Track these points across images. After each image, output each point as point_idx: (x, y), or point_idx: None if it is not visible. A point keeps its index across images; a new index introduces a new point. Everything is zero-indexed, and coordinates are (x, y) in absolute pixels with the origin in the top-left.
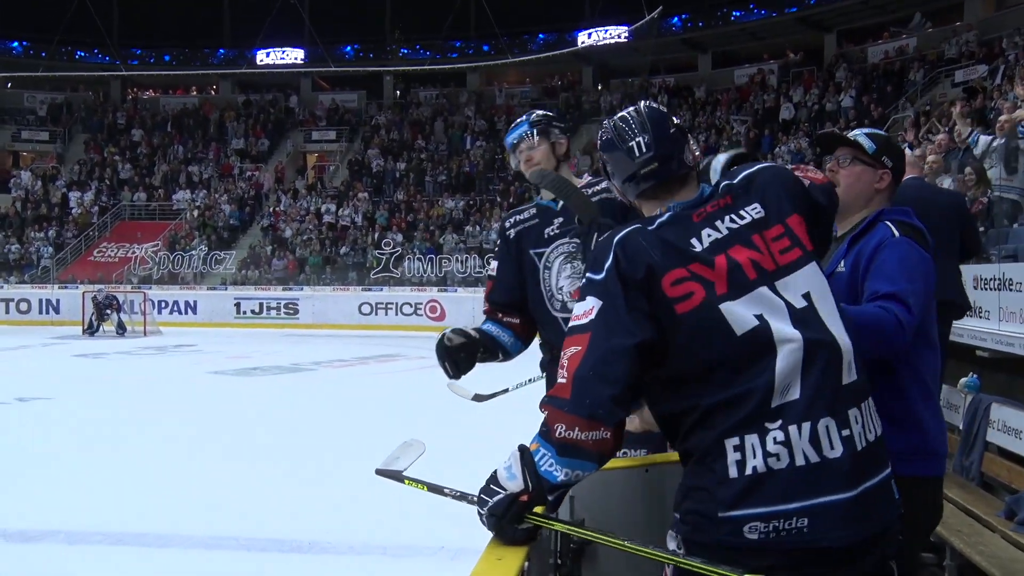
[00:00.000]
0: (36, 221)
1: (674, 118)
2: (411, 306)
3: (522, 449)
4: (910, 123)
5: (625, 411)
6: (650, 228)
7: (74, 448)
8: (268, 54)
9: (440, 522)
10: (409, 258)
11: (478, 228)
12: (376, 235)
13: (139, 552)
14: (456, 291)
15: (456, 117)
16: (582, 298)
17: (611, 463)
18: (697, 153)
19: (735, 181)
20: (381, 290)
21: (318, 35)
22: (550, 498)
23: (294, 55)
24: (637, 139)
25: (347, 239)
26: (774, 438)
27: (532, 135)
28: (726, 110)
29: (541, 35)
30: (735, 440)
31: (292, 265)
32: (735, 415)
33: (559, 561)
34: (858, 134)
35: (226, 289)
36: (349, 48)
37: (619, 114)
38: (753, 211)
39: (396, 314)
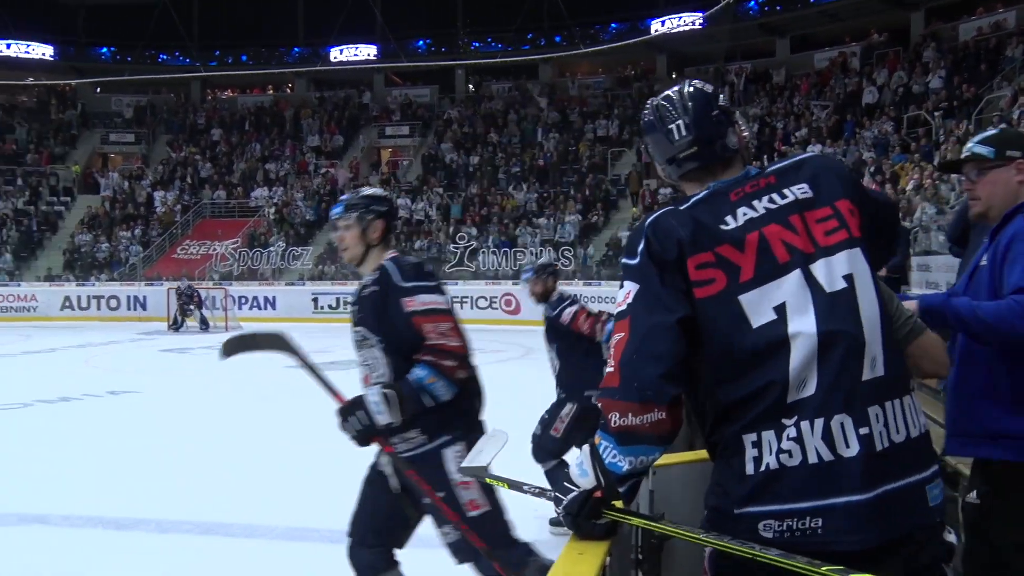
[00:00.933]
0: (124, 220)
1: (720, 98)
2: (486, 300)
3: (591, 445)
4: (1006, 103)
5: (677, 387)
6: (683, 207)
7: (163, 440)
8: (342, 51)
9: (523, 515)
10: (483, 251)
11: (552, 220)
12: (450, 229)
13: (226, 542)
14: None
15: (529, 109)
16: (621, 284)
17: (690, 455)
18: (745, 134)
19: (784, 164)
20: (456, 284)
21: (390, 30)
22: (621, 490)
23: (367, 51)
24: (677, 122)
25: (422, 233)
26: (788, 434)
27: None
28: (806, 95)
29: (613, 24)
30: (753, 436)
31: None
32: (753, 410)
33: (640, 556)
34: (971, 146)
35: (304, 284)
36: (421, 43)
37: (663, 94)
38: (799, 191)
39: (471, 308)
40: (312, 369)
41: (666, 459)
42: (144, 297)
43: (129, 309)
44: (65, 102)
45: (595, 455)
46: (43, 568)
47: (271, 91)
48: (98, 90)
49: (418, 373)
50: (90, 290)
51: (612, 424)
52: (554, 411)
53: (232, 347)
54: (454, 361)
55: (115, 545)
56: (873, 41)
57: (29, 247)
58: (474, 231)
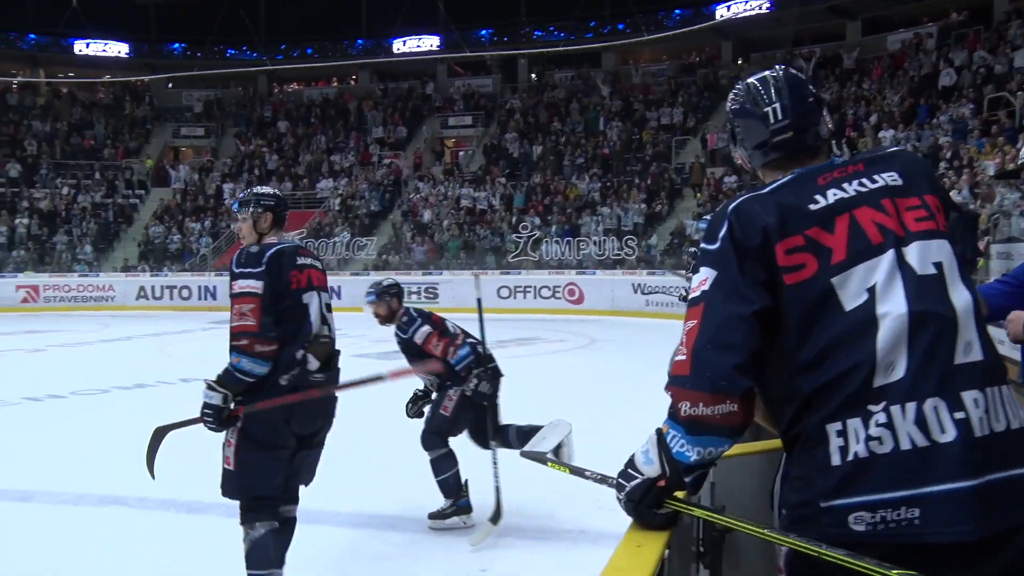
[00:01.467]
0: (194, 212)
1: (811, 86)
2: (549, 289)
3: (659, 432)
4: None
5: (750, 380)
6: (765, 192)
7: None
8: (405, 42)
9: (583, 506)
10: (547, 241)
11: (615, 209)
12: (513, 218)
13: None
14: (595, 273)
15: (592, 98)
16: (697, 269)
17: (752, 446)
18: (830, 125)
19: (873, 153)
20: (519, 273)
21: (453, 21)
22: (687, 480)
23: (430, 42)
24: (773, 105)
25: (485, 223)
26: (876, 420)
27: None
28: (878, 79)
29: (677, 11)
30: (837, 425)
31: (432, 251)
32: (837, 397)
33: (701, 549)
34: None
35: (368, 274)
36: (484, 33)
37: (755, 76)
38: (889, 177)
39: (534, 297)
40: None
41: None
42: (214, 287)
43: (200, 299)
44: (139, 98)
45: (662, 443)
46: (120, 546)
47: (335, 83)
48: (169, 85)
49: (229, 357)
50: (163, 280)
51: (682, 413)
52: (439, 398)
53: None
54: (246, 339)
55: (187, 527)
56: (951, 21)
57: (107, 239)
58: (537, 220)
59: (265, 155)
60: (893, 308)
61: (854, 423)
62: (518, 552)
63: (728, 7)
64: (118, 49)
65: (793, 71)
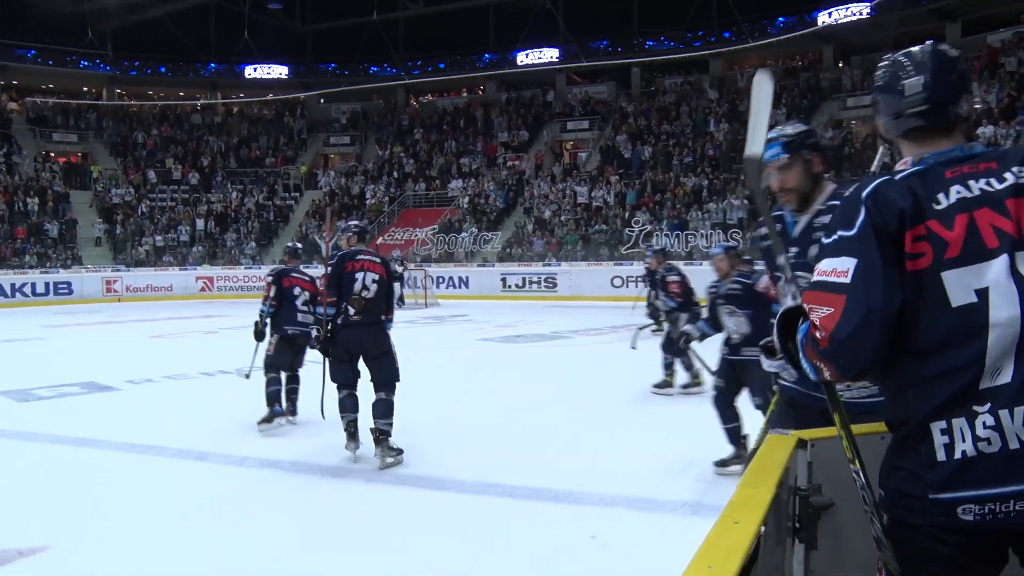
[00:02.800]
0: (340, 211)
1: (960, 64)
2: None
3: (786, 328)
4: None
5: (879, 368)
6: (898, 177)
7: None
8: (527, 55)
9: (683, 477)
10: (657, 234)
11: (720, 205)
12: (626, 214)
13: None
14: (702, 264)
15: (700, 102)
16: (833, 255)
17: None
18: (977, 106)
19: (1010, 150)
20: (631, 264)
21: (571, 34)
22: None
23: (550, 54)
24: (914, 78)
25: (600, 218)
26: (983, 422)
27: (783, 157)
28: (977, 76)
29: (781, 18)
30: (942, 424)
31: (554, 246)
32: (941, 393)
33: (797, 525)
34: None
35: (493, 266)
36: (599, 44)
37: (904, 51)
38: (1019, 173)
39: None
40: None
41: (827, 431)
42: None
43: None
44: (295, 113)
45: (794, 358)
46: (274, 503)
47: (465, 93)
48: (321, 101)
49: None
50: (314, 272)
51: (810, 359)
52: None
53: None
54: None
55: (326, 489)
56: None
57: (267, 235)
58: (648, 215)
59: (403, 159)
60: (1006, 316)
61: (959, 422)
62: (625, 521)
63: (829, 13)
64: (279, 71)
65: (944, 47)
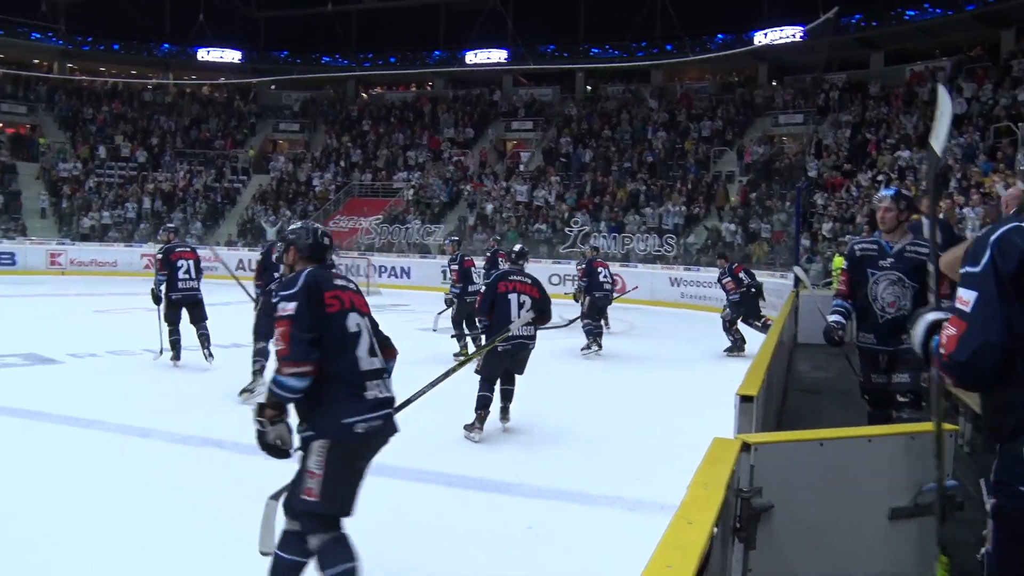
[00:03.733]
0: (287, 197)
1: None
2: None
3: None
4: None
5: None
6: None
7: None
8: (476, 55)
9: (620, 472)
10: (595, 235)
11: (657, 210)
12: (566, 214)
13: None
14: (637, 267)
15: (640, 110)
16: (963, 286)
17: (787, 435)
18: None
19: None
20: (570, 263)
21: (519, 37)
22: None
23: (498, 55)
24: None
25: (540, 217)
26: None
27: (891, 201)
28: (898, 106)
29: (720, 35)
30: None
31: (493, 243)
32: None
33: (738, 525)
34: None
35: (435, 258)
36: (546, 48)
37: None
38: None
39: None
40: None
41: (767, 437)
42: None
43: None
44: (246, 97)
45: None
46: (211, 478)
47: (414, 88)
48: (272, 87)
49: None
50: (258, 255)
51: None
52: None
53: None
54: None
55: (273, 470)
56: (963, 56)
57: (214, 217)
58: (587, 217)
59: (350, 149)
60: None
61: None
62: (562, 514)
63: (765, 34)
64: (232, 56)
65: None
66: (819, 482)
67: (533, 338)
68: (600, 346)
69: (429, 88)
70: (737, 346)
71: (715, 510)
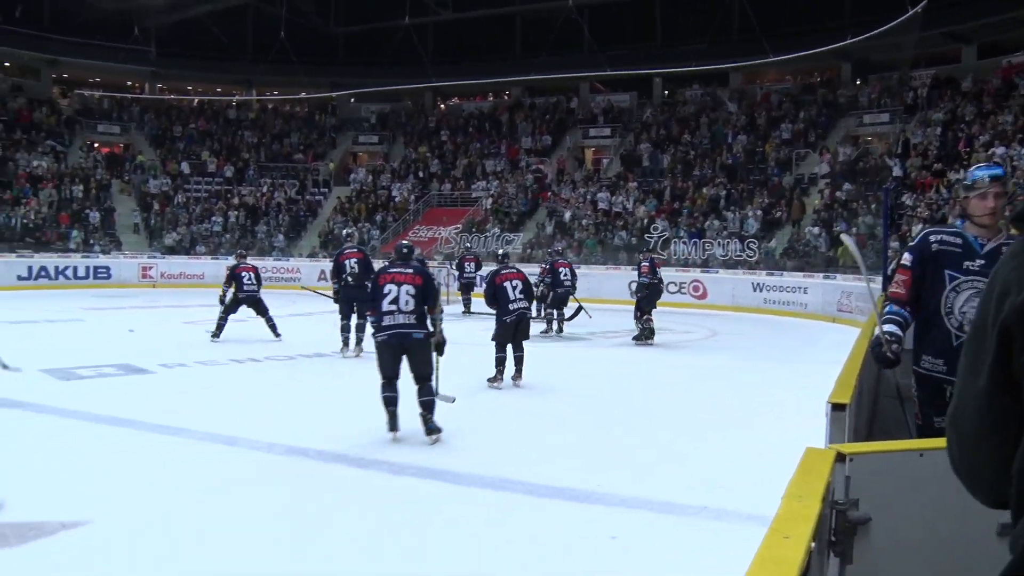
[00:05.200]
0: (367, 208)
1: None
2: (676, 285)
3: None
4: None
5: None
6: None
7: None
8: (551, 62)
9: (705, 481)
10: (675, 241)
11: (737, 215)
12: (644, 221)
13: (448, 488)
14: (717, 272)
15: (719, 113)
16: None
17: (884, 445)
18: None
19: None
20: None
21: (596, 44)
22: None
23: (574, 63)
24: None
25: (619, 224)
26: None
27: (997, 182)
28: (992, 98)
29: (801, 35)
30: None
31: (575, 249)
32: None
33: (833, 539)
34: None
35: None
36: (622, 54)
37: None
38: None
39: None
40: None
41: (863, 447)
42: None
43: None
44: (326, 111)
45: None
46: (302, 493)
47: (491, 98)
48: (351, 100)
49: None
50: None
51: None
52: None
53: None
54: None
55: (352, 479)
56: None
57: (296, 229)
58: (667, 223)
59: (429, 160)
60: None
61: None
62: (647, 524)
63: (848, 32)
64: (314, 71)
65: None
66: (919, 495)
67: (529, 309)
68: (561, 329)
69: (506, 97)
70: (644, 334)
71: (811, 523)
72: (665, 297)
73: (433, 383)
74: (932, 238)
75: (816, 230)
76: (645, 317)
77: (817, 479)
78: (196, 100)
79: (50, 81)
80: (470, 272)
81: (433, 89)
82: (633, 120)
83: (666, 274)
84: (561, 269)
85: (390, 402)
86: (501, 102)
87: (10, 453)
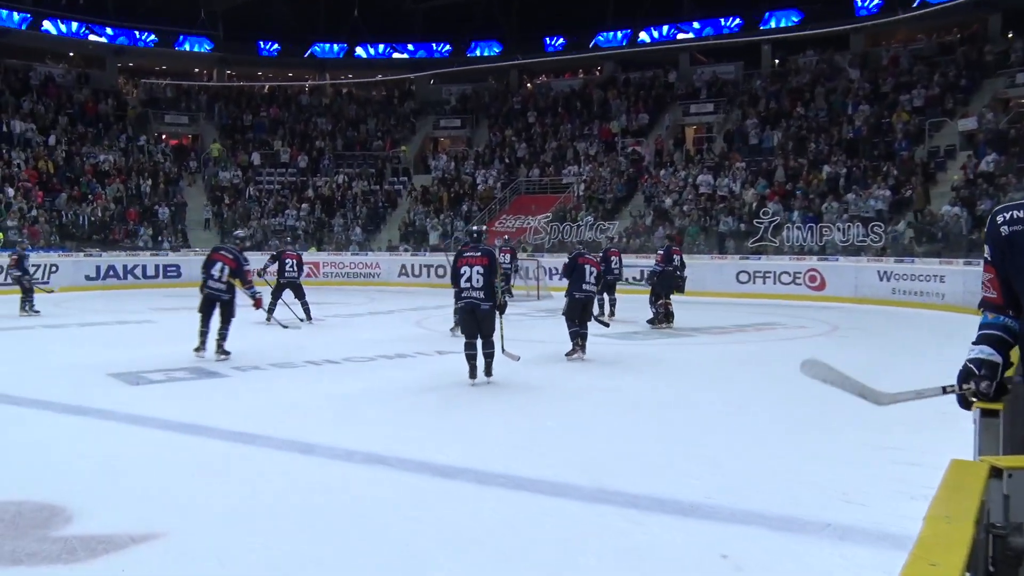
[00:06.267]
0: (450, 198)
1: None
2: (789, 275)
3: None
4: None
5: None
6: None
7: (476, 396)
8: (648, 33)
9: (828, 496)
10: (788, 226)
11: (860, 195)
12: (754, 204)
13: (534, 498)
14: (837, 260)
15: (837, 82)
16: None
17: None
18: None
19: None
20: (759, 259)
21: (696, 9)
22: None
23: (673, 32)
24: None
25: (725, 208)
26: None
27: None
28: None
29: None
30: None
31: (677, 238)
32: None
33: (992, 569)
34: None
35: None
36: (727, 20)
37: None
38: None
39: (774, 283)
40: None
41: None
42: None
43: None
44: (404, 94)
45: None
46: (378, 500)
47: (581, 75)
48: (431, 82)
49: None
50: (421, 259)
51: None
52: None
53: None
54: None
55: (439, 490)
56: None
57: (375, 222)
58: (778, 206)
59: (515, 144)
60: None
61: None
62: (762, 541)
63: None
64: (390, 52)
65: None
66: None
67: (595, 291)
68: (606, 313)
69: (598, 74)
70: (659, 318)
71: (964, 550)
72: (777, 288)
73: (496, 341)
74: (1000, 218)
75: (956, 210)
76: (661, 302)
77: (968, 497)
78: (267, 87)
79: (116, 71)
80: (616, 267)
81: (519, 67)
82: (739, 93)
83: (778, 263)
84: (612, 257)
85: (471, 357)
86: (592, 79)
87: (77, 462)
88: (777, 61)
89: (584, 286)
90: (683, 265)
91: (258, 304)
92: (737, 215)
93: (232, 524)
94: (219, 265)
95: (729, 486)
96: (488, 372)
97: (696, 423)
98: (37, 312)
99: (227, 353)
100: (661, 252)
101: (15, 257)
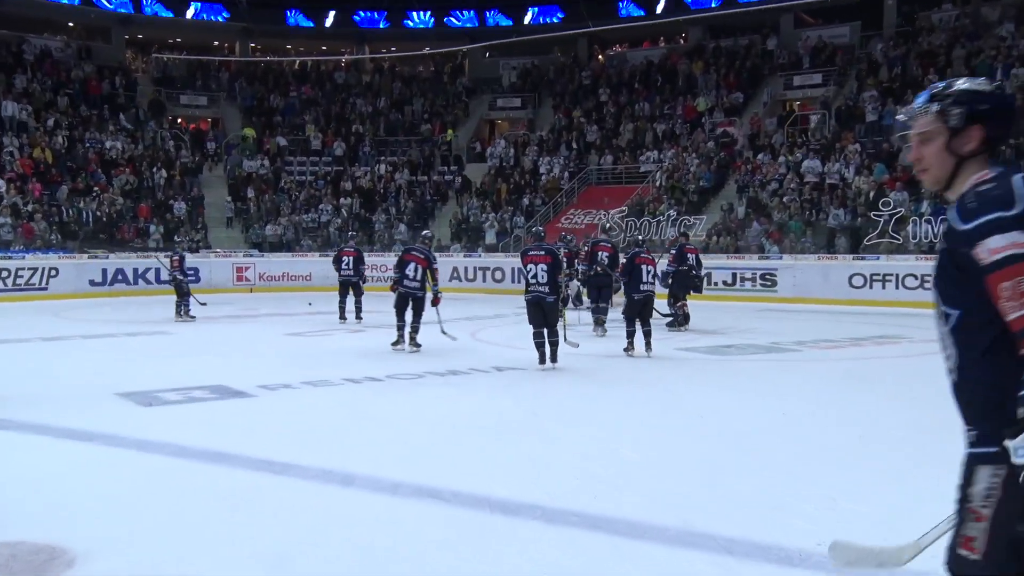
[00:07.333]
0: (508, 190)
1: None
2: (916, 278)
3: None
4: None
5: None
6: None
7: (548, 420)
8: None
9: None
10: (914, 220)
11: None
12: (871, 194)
13: (611, 540)
14: None
15: (982, 41)
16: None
17: None
18: None
19: None
20: (878, 259)
21: None
22: None
23: None
24: None
25: (835, 199)
26: None
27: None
28: None
29: None
30: None
31: (774, 234)
32: None
33: None
34: None
35: None
36: None
37: None
38: None
39: (896, 287)
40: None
41: None
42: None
43: (513, 281)
44: (455, 70)
45: None
46: (428, 540)
47: (662, 43)
48: (487, 55)
49: None
50: (476, 261)
51: None
52: None
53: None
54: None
55: (496, 528)
56: None
57: (422, 217)
58: (903, 196)
59: (584, 126)
60: None
61: None
62: None
63: None
64: (441, 20)
65: None
66: None
67: (652, 290)
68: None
69: (682, 42)
70: (678, 321)
71: None
72: (900, 294)
73: (560, 330)
74: None
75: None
76: (679, 304)
77: None
78: (296, 62)
79: (123, 44)
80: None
81: (588, 35)
82: (855, 60)
83: (901, 264)
84: (688, 255)
85: (539, 344)
86: (676, 48)
87: (81, 497)
88: (903, 19)
89: (642, 287)
90: (699, 264)
91: (436, 301)
92: (850, 207)
93: (261, 568)
94: (413, 265)
95: (847, 531)
96: (554, 358)
97: (805, 454)
98: (193, 318)
99: (419, 345)
100: (673, 252)
101: (176, 258)
